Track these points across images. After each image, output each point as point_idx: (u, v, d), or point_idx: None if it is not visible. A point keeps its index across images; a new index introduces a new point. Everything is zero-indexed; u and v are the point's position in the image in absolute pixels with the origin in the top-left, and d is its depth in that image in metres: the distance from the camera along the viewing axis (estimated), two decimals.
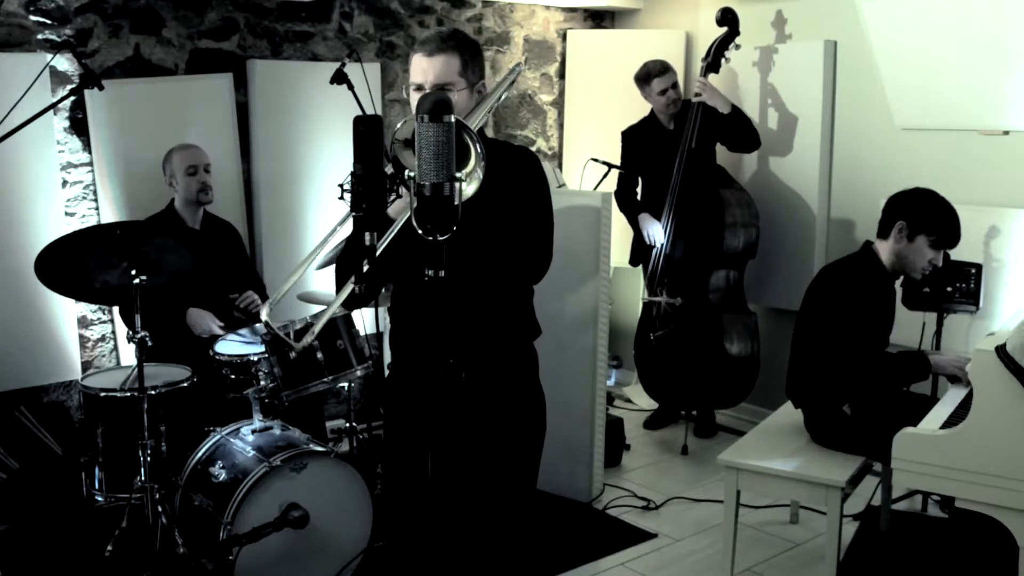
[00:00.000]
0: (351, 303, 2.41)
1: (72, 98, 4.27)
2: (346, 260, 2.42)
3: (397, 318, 2.58)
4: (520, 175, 2.44)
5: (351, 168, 2.03)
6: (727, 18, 5.03)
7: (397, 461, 2.56)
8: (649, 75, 5.12)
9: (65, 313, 4.38)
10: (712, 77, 5.03)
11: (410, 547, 2.55)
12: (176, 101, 4.61)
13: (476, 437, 2.44)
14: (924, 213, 3.51)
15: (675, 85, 5.15)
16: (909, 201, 3.55)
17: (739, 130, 5.00)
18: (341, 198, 2.00)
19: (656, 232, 5.10)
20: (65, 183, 4.42)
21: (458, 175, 1.94)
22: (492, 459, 2.48)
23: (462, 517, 2.47)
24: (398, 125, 2.09)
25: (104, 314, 4.60)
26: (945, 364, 3.47)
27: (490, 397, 2.45)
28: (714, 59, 5.03)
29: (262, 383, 3.71)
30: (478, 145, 2.01)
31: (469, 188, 2.01)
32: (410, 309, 2.52)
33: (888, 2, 4.58)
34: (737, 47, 5.07)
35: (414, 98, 2.44)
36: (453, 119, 1.90)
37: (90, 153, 4.45)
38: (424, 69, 2.44)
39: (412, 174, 1.94)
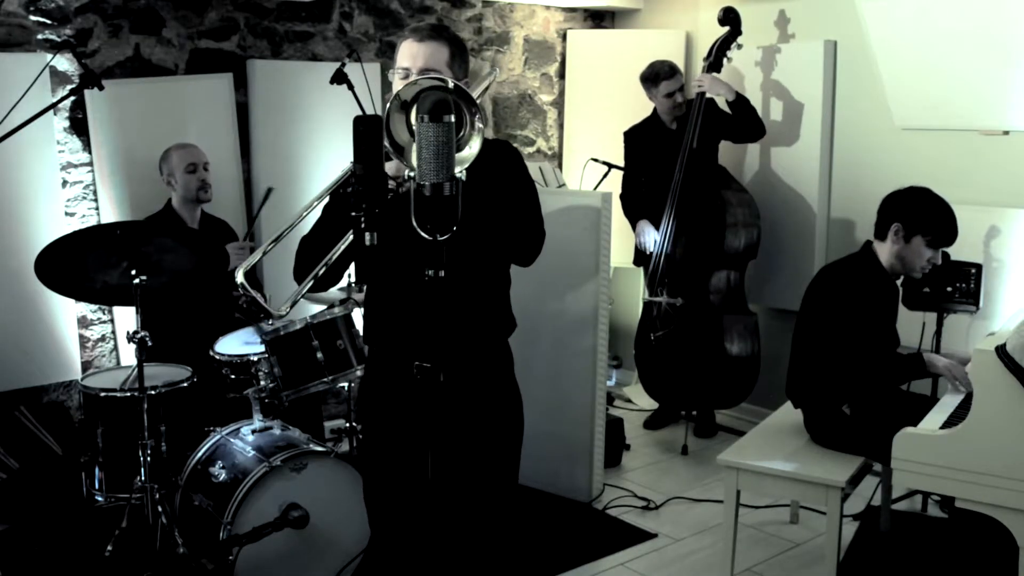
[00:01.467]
0: (316, 286, 2.42)
1: (72, 98, 4.27)
2: (313, 245, 2.43)
3: (373, 316, 2.57)
4: (503, 165, 2.44)
5: (349, 166, 2.03)
6: (729, 18, 5.03)
7: (379, 461, 2.56)
8: (657, 77, 5.11)
9: (65, 313, 4.38)
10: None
11: (398, 548, 2.54)
12: (176, 101, 4.61)
13: (456, 437, 2.43)
14: (919, 213, 3.50)
15: (682, 88, 5.15)
16: (903, 202, 3.55)
17: (743, 118, 4.99)
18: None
19: (650, 240, 5.10)
20: (65, 183, 4.42)
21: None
22: (473, 458, 2.47)
23: (447, 516, 2.47)
24: (402, 86, 2.06)
25: (104, 314, 4.60)
26: (941, 368, 3.46)
27: (468, 396, 2.44)
28: (716, 59, 5.03)
29: (262, 383, 3.71)
30: (476, 114, 2.00)
31: (471, 149, 2.00)
32: (387, 307, 2.51)
33: (888, 2, 4.58)
34: (739, 47, 5.07)
35: (399, 84, 2.42)
36: (452, 118, 1.89)
37: (90, 153, 4.45)
38: (413, 54, 2.41)
39: (410, 174, 1.93)
